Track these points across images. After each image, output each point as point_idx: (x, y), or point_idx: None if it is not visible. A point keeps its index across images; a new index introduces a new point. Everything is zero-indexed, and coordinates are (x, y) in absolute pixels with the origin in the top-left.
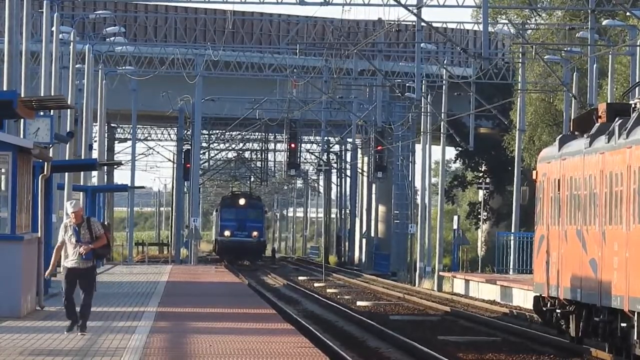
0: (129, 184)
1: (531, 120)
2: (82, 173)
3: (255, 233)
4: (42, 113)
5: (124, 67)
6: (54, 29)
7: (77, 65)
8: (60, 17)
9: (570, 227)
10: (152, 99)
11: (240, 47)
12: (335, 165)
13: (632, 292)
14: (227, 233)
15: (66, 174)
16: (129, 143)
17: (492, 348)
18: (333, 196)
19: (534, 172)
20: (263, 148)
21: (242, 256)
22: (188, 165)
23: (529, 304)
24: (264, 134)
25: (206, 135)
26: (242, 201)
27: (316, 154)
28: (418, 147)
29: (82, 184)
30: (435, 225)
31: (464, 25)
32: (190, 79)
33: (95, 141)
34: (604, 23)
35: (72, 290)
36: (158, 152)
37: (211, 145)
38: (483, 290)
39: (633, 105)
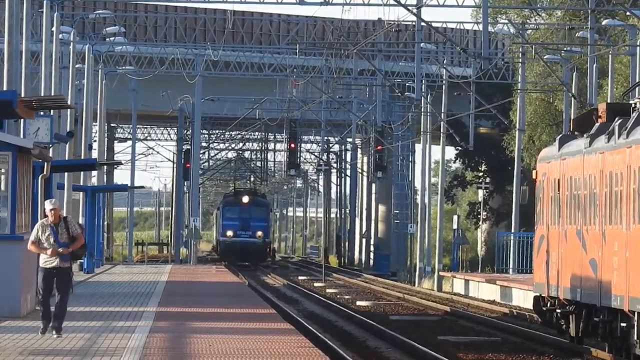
0: (129, 184)
1: (531, 120)
2: (82, 173)
3: (259, 233)
4: (42, 113)
5: (124, 67)
6: (54, 29)
7: (77, 65)
8: (60, 17)
9: (570, 227)
10: (152, 99)
11: (240, 47)
12: (335, 165)
13: (632, 292)
14: (229, 233)
15: (66, 174)
16: (129, 143)
17: (492, 348)
18: (333, 196)
19: (534, 172)
20: (263, 148)
21: (245, 258)
22: (188, 165)
23: (529, 304)
24: (264, 133)
25: (206, 135)
26: (245, 199)
27: (316, 154)
28: (418, 147)
29: (82, 184)
30: (435, 225)
31: (463, 25)
32: (190, 79)
33: (95, 141)
34: (603, 23)
35: (50, 290)
36: (158, 152)
37: (211, 145)
38: (483, 290)
39: (633, 105)
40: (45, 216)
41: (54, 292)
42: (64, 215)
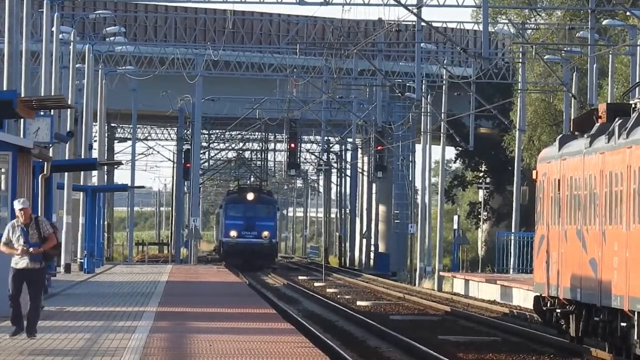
0: (129, 184)
1: (531, 120)
2: (82, 173)
3: (265, 233)
4: (42, 113)
5: (124, 67)
6: (54, 29)
7: (77, 65)
8: (60, 17)
9: (570, 227)
10: (152, 99)
11: (240, 47)
12: (335, 165)
13: (632, 291)
14: (232, 233)
15: (66, 173)
16: (129, 143)
17: (492, 348)
18: (333, 196)
19: (534, 172)
20: (263, 148)
21: (250, 261)
22: (188, 165)
23: (529, 304)
24: (264, 133)
25: (206, 135)
26: (250, 196)
27: (316, 154)
28: (418, 147)
29: (82, 183)
30: (435, 225)
31: (464, 25)
32: (190, 79)
33: (95, 141)
34: (604, 23)
35: (19, 293)
36: (158, 152)
37: (211, 145)
38: (483, 290)
39: (633, 105)
40: (16, 216)
41: (28, 296)
42: (35, 215)
